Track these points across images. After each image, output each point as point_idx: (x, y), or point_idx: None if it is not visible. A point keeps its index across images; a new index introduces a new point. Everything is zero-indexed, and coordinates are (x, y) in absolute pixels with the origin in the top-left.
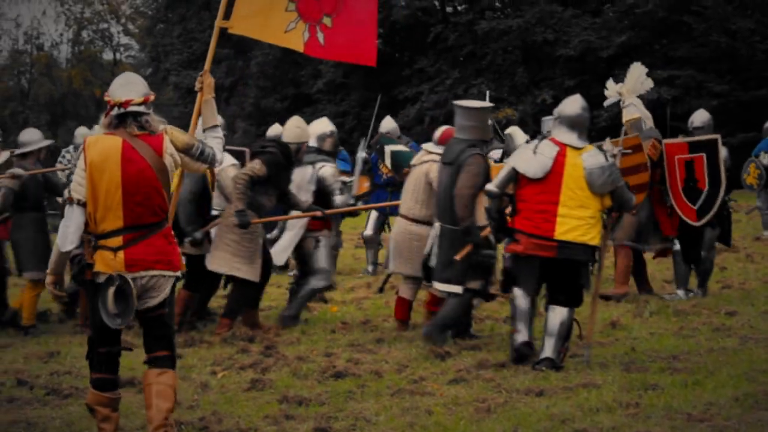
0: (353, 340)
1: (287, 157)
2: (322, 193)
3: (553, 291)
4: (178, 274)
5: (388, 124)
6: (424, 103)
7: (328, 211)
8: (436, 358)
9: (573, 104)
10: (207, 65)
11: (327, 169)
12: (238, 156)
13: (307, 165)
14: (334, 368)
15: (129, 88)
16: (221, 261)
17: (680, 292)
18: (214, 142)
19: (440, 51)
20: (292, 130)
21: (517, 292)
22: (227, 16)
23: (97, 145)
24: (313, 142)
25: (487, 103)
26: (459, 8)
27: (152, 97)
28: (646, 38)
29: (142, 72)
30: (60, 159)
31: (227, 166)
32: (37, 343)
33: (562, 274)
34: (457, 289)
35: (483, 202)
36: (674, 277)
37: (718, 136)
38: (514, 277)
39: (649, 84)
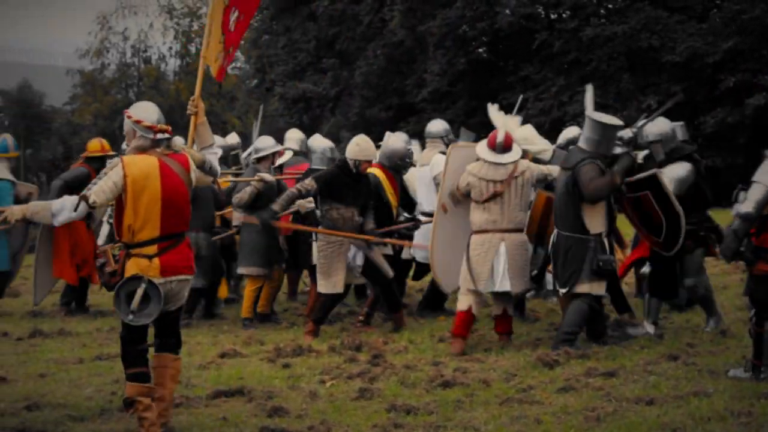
0: None
1: (345, 172)
2: None
3: None
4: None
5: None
6: (529, 111)
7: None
8: (545, 367)
9: None
10: (197, 92)
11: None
12: None
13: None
14: (442, 377)
15: (155, 115)
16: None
17: (647, 326)
18: (213, 158)
19: (545, 58)
20: (351, 147)
21: None
22: None
23: (137, 163)
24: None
25: (615, 121)
26: (564, 15)
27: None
28: (753, 44)
29: (248, 84)
30: None
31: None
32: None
33: None
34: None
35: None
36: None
37: (655, 172)
38: (764, 307)
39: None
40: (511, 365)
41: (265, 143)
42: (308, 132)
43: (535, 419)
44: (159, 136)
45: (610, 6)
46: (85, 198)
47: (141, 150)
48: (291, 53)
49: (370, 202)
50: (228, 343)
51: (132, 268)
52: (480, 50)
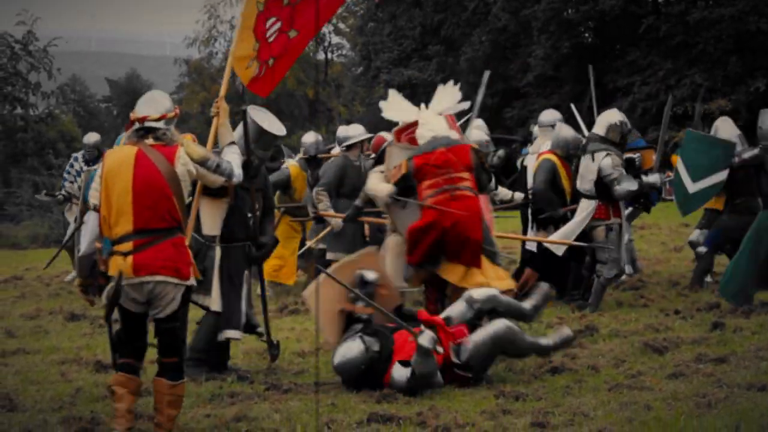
0: None
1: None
2: (602, 183)
3: None
4: (187, 283)
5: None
6: (635, 95)
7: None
8: (654, 353)
9: None
10: (222, 93)
11: (606, 160)
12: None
13: (588, 154)
14: (550, 363)
15: (149, 105)
16: None
17: None
18: (233, 156)
19: (651, 42)
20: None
21: None
22: None
23: (114, 154)
24: (600, 131)
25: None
26: None
27: (172, 114)
28: None
29: (353, 71)
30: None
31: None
32: (257, 340)
33: None
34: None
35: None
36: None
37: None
38: None
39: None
40: (620, 351)
41: (354, 131)
42: None
43: (644, 405)
44: (137, 125)
45: None
46: (89, 208)
47: (128, 141)
48: (396, 40)
49: None
50: None
51: (112, 266)
52: (585, 34)
